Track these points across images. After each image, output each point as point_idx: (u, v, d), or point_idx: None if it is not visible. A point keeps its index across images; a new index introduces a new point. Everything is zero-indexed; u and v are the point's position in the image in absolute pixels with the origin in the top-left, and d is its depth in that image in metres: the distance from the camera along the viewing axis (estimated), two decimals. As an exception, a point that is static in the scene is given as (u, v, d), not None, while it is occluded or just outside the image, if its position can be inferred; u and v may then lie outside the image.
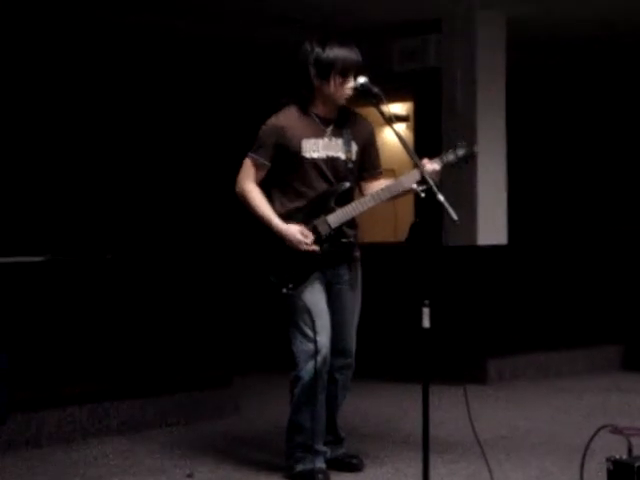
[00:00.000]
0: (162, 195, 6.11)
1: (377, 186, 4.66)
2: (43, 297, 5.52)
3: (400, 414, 6.06)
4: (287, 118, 4.61)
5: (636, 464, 3.50)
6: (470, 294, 7.58)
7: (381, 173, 4.80)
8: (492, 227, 7.74)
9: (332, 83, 4.51)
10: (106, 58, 6.89)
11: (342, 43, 4.52)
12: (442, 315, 6.87)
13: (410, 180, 4.42)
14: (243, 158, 4.65)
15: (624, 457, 3.60)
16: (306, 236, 4.51)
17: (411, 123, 11.06)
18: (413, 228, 9.51)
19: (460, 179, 7.47)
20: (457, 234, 7.55)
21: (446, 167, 4.54)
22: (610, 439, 4.55)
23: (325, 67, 4.49)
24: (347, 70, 4.49)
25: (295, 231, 4.52)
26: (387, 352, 7.76)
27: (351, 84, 4.49)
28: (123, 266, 5.88)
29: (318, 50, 4.51)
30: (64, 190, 5.70)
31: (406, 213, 9.93)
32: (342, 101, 4.55)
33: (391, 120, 4.36)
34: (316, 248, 4.53)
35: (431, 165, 4.44)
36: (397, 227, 11.28)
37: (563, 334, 7.94)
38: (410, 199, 7.74)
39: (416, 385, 3.99)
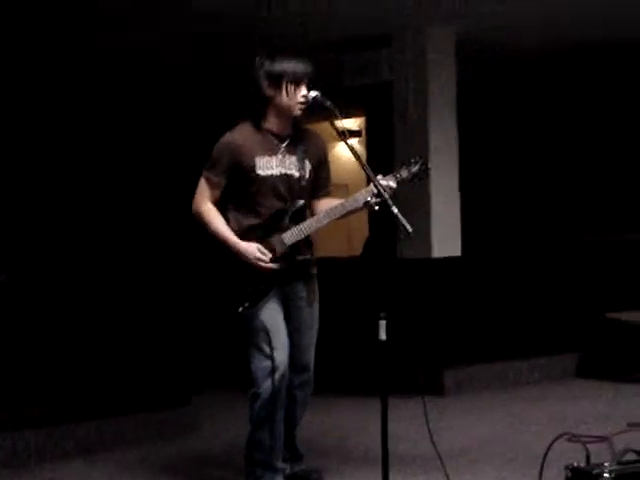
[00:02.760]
0: (121, 214, 6.07)
1: (327, 204, 4.66)
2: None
3: (359, 428, 6.06)
4: (241, 135, 4.61)
5: (594, 471, 3.53)
6: (426, 306, 7.61)
7: (330, 192, 4.80)
8: (446, 239, 7.77)
9: (284, 93, 4.51)
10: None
11: (291, 54, 4.55)
12: (399, 327, 6.92)
13: (363, 197, 4.43)
14: (199, 175, 4.64)
15: (582, 465, 3.62)
16: (264, 254, 4.51)
17: (363, 138, 11.13)
18: (367, 243, 9.55)
19: (413, 191, 7.49)
20: (411, 247, 7.57)
21: (400, 184, 4.56)
22: (568, 447, 4.57)
23: (276, 77, 4.50)
24: (298, 79, 4.50)
25: (254, 249, 4.51)
26: (345, 366, 7.76)
27: (304, 92, 4.50)
28: (79, 285, 5.83)
29: (268, 63, 4.53)
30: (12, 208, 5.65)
31: (360, 228, 9.97)
32: (297, 112, 4.55)
33: (345, 134, 4.37)
34: (274, 266, 4.52)
35: (385, 182, 4.45)
36: (351, 242, 11.33)
37: (519, 344, 8.00)
38: (364, 214, 7.77)
39: (374, 398, 4.00)
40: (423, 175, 4.60)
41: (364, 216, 8.33)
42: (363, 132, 11.16)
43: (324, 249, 9.54)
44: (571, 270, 8.49)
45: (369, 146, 10.21)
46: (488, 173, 8.87)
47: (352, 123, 11.74)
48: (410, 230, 3.99)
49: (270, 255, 4.52)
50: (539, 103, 9.18)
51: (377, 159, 8.34)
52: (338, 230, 10.88)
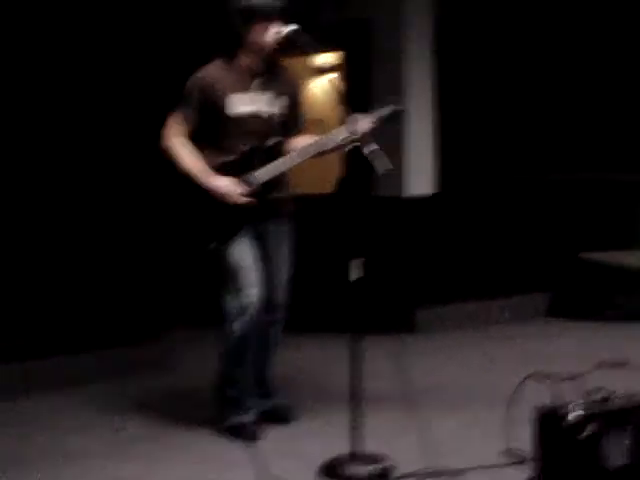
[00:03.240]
0: (87, 147, 5.98)
1: (301, 141, 4.63)
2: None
3: (330, 366, 6.07)
4: (214, 71, 4.56)
5: (560, 411, 3.56)
6: (398, 245, 7.61)
7: (303, 129, 4.76)
8: (419, 177, 7.75)
9: (257, 28, 4.45)
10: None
11: None
12: (371, 266, 6.92)
13: (339, 135, 4.40)
14: (169, 112, 4.59)
15: (549, 404, 3.65)
16: (233, 189, 4.47)
17: (342, 73, 11.02)
18: (342, 181, 9.50)
19: (385, 129, 7.44)
20: (385, 186, 7.55)
21: (375, 123, 4.52)
22: (537, 386, 4.61)
23: (248, 13, 4.45)
24: (271, 14, 4.45)
25: (224, 183, 4.48)
26: (318, 305, 7.77)
27: (277, 29, 4.44)
28: (47, 217, 5.79)
29: (240, 0, 4.46)
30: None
31: (334, 164, 9.91)
32: (270, 48, 4.49)
33: (322, 70, 4.32)
34: (243, 200, 4.48)
35: (362, 121, 4.40)
36: (325, 178, 11.26)
37: (491, 283, 8.02)
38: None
39: (347, 337, 4.01)
40: (397, 116, 4.56)
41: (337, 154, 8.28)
42: (343, 67, 11.06)
43: (298, 186, 9.51)
44: (544, 210, 8.50)
45: (348, 81, 10.10)
46: (466, 111, 8.81)
47: (331, 58, 11.63)
48: (390, 167, 3.96)
49: (242, 188, 4.47)
50: (518, 39, 9.09)
51: (355, 95, 8.26)
52: (313, 167, 10.84)
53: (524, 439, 3.86)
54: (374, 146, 4.02)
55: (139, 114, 6.12)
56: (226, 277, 4.56)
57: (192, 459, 4.24)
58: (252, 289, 4.53)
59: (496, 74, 8.63)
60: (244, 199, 4.48)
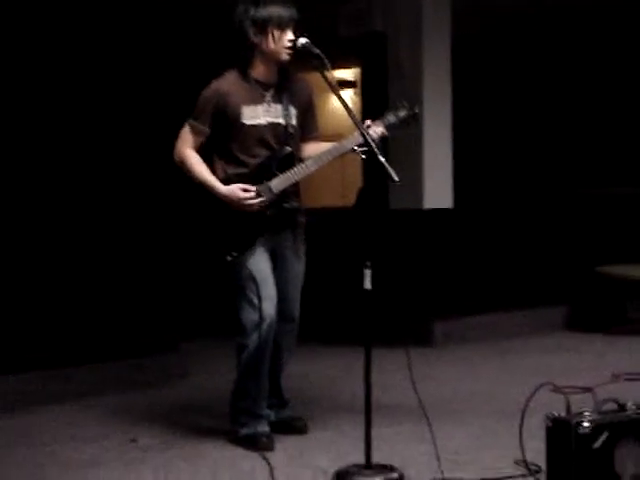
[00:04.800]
0: (100, 161, 6.03)
1: (315, 149, 4.65)
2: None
3: (345, 377, 6.10)
4: (227, 83, 4.58)
5: (574, 420, 3.55)
6: (417, 257, 7.63)
7: (318, 136, 4.78)
8: (438, 190, 7.76)
9: (270, 37, 4.48)
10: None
11: (275, 0, 4.50)
12: (390, 278, 6.94)
13: (352, 142, 4.42)
14: (182, 125, 4.62)
15: (562, 414, 3.64)
16: (248, 192, 4.48)
17: (359, 88, 11.05)
18: (360, 193, 9.52)
19: (406, 142, 7.48)
20: (403, 198, 7.57)
21: (389, 129, 4.53)
22: (553, 398, 4.59)
23: (262, 23, 4.48)
24: (284, 23, 4.47)
25: (236, 188, 4.49)
26: (335, 317, 7.79)
27: (290, 37, 4.47)
28: (66, 229, 5.83)
29: (252, 9, 4.50)
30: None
31: (354, 178, 9.94)
32: (284, 57, 4.51)
33: (331, 83, 4.30)
34: (259, 201, 4.48)
35: (375, 127, 4.43)
36: (345, 192, 11.29)
37: (509, 296, 8.02)
38: (358, 164, 7.75)
39: (362, 348, 4.01)
40: (412, 120, 4.57)
41: (358, 166, 8.31)
42: (359, 83, 11.08)
43: (318, 199, 9.53)
44: (562, 223, 8.49)
45: (364, 97, 10.14)
46: (481, 124, 8.83)
47: (348, 73, 11.65)
48: (396, 179, 3.96)
49: (254, 191, 4.49)
50: (537, 52, 9.11)
51: (372, 109, 8.28)
52: (332, 180, 10.86)
53: (538, 450, 3.85)
54: (381, 157, 4.01)
55: (152, 124, 6.16)
56: (242, 289, 4.57)
57: (205, 469, 4.25)
58: (268, 302, 4.53)
59: (517, 87, 8.63)
60: (257, 201, 4.49)
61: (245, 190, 4.48)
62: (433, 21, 7.83)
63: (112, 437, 4.83)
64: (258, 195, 4.50)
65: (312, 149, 4.69)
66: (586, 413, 3.60)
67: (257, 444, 4.50)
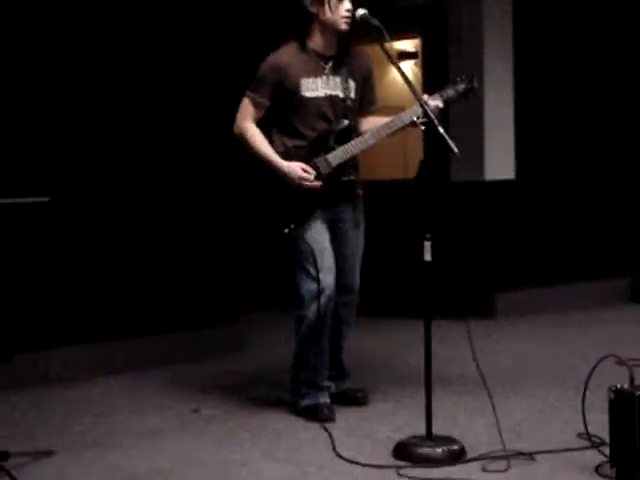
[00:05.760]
0: (164, 134, 6.04)
1: (374, 122, 4.64)
2: (47, 237, 5.52)
3: (406, 350, 6.08)
4: (286, 55, 4.58)
5: (637, 393, 3.50)
6: (478, 230, 7.58)
7: (377, 109, 4.77)
8: (500, 161, 7.69)
9: (327, 7, 4.46)
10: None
11: None
12: (451, 251, 6.90)
13: (410, 115, 4.40)
14: (241, 97, 4.63)
15: (626, 386, 3.60)
16: (308, 173, 4.50)
17: (419, 59, 10.96)
18: (422, 165, 9.47)
19: (467, 114, 7.42)
20: (464, 170, 7.51)
21: (447, 103, 4.50)
22: (616, 371, 4.54)
23: None
24: None
25: (296, 168, 4.50)
26: (395, 289, 7.78)
27: (348, 6, 4.44)
28: (130, 205, 5.87)
29: None
30: (66, 129, 5.64)
31: (415, 150, 9.88)
32: (342, 26, 4.48)
33: (390, 55, 4.26)
34: (318, 184, 4.51)
35: (433, 101, 4.40)
36: (407, 164, 11.24)
37: (571, 268, 7.93)
38: (419, 137, 7.70)
39: (422, 321, 4.00)
40: (470, 94, 4.53)
41: (419, 139, 8.25)
42: (419, 54, 10.99)
43: (381, 172, 9.48)
44: (626, 193, 8.35)
45: (425, 68, 10.05)
46: (544, 95, 8.71)
47: (408, 45, 11.56)
48: (456, 151, 3.93)
49: (314, 173, 4.50)
50: (602, 24, 8.94)
51: (433, 81, 8.22)
52: (394, 153, 10.79)
53: (601, 423, 3.82)
54: (441, 129, 3.97)
55: (211, 98, 6.16)
56: (301, 261, 4.58)
57: (265, 439, 4.28)
58: (327, 273, 4.54)
59: (577, 57, 8.49)
60: (316, 183, 4.50)
61: (305, 171, 4.49)
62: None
63: (174, 407, 4.88)
64: (316, 170, 4.50)
65: (371, 122, 4.68)
66: (650, 385, 3.55)
67: (318, 415, 4.52)
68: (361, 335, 5.40)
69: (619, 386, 3.60)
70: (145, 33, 5.93)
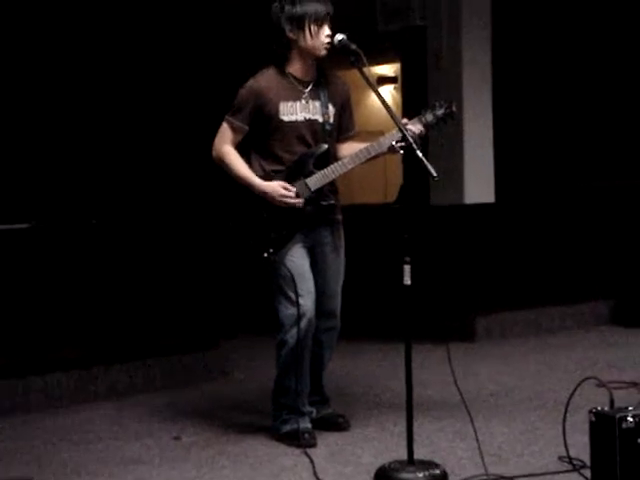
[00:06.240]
0: (141, 160, 6.06)
1: (353, 147, 4.65)
2: (27, 264, 5.50)
3: (387, 374, 6.07)
4: (265, 80, 4.58)
5: (617, 415, 3.50)
6: (459, 253, 7.59)
7: (356, 134, 4.78)
8: (479, 185, 7.72)
9: (308, 33, 4.48)
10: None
11: None
12: (431, 274, 6.91)
13: (389, 141, 4.41)
14: (221, 122, 4.63)
15: (606, 409, 3.60)
16: (288, 190, 4.49)
17: (399, 84, 11.01)
18: (401, 190, 9.50)
19: (446, 137, 7.45)
20: (444, 194, 7.54)
21: (427, 128, 4.52)
22: (597, 393, 4.58)
23: (298, 19, 4.47)
24: (321, 19, 4.47)
25: (277, 186, 4.50)
26: (377, 313, 7.77)
27: (328, 32, 4.47)
28: (108, 231, 5.86)
29: (289, 7, 4.50)
30: (46, 156, 5.65)
31: (396, 176, 9.91)
32: (322, 52, 4.50)
33: (369, 79, 4.28)
34: (300, 201, 4.49)
35: (413, 125, 4.42)
36: (387, 190, 11.28)
37: (552, 290, 7.95)
38: (399, 162, 7.72)
39: (402, 344, 3.99)
40: (449, 119, 4.55)
41: (400, 163, 8.28)
42: (399, 78, 11.05)
43: (361, 197, 9.51)
44: (605, 216, 8.39)
45: (405, 92, 10.11)
46: (522, 118, 8.76)
47: (388, 69, 11.62)
48: (435, 175, 3.94)
49: (294, 190, 4.50)
50: (577, 46, 9.02)
51: (413, 105, 8.26)
52: (375, 178, 10.83)
53: (582, 445, 3.82)
54: (419, 153, 3.99)
55: (191, 121, 6.19)
56: (280, 285, 4.58)
57: (247, 466, 4.26)
58: (306, 297, 4.53)
59: (560, 78, 8.55)
60: (298, 200, 4.49)
61: (285, 189, 4.49)
62: (473, 15, 7.78)
63: (155, 435, 4.85)
64: (297, 195, 4.51)
65: (350, 148, 4.68)
66: (630, 408, 3.55)
67: (299, 440, 4.49)
68: (342, 359, 5.39)
69: (599, 408, 3.60)
70: (122, 65, 5.95)
